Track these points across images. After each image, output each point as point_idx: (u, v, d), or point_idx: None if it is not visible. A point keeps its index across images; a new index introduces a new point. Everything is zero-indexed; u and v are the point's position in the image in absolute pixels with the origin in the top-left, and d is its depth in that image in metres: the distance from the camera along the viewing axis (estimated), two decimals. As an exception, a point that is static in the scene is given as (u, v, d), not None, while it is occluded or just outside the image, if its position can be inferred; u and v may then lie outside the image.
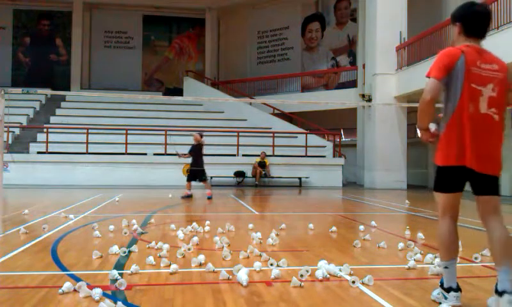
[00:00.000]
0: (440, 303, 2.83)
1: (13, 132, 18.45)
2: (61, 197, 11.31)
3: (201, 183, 11.23)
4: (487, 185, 2.80)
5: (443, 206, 2.88)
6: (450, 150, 2.78)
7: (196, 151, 11.11)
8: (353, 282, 3.27)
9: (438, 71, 2.79)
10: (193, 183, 11.15)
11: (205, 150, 17.25)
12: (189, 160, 11.37)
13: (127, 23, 27.22)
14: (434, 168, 2.92)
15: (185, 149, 11.57)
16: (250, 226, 5.98)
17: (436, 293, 2.94)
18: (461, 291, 2.81)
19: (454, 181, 2.83)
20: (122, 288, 3.12)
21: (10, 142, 17.37)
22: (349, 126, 23.52)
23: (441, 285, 2.87)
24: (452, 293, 2.78)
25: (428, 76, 2.83)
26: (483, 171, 2.74)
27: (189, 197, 10.86)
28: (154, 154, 17.62)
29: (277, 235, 5.25)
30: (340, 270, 3.57)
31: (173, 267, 3.64)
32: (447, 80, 2.79)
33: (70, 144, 17.63)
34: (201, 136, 11.30)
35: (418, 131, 2.94)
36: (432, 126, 2.87)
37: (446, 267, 2.82)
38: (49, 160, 16.74)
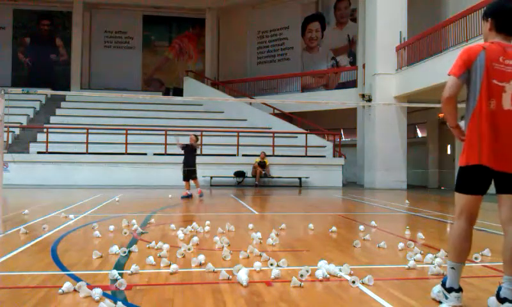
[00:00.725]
0: (440, 302, 2.83)
1: (13, 132, 18.45)
2: (61, 197, 11.31)
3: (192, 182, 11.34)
4: (510, 184, 2.71)
5: (461, 208, 2.82)
6: (471, 149, 2.73)
7: (188, 151, 11.20)
8: (353, 282, 3.27)
9: (457, 68, 2.77)
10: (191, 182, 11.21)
11: (206, 150, 17.33)
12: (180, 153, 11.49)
13: (127, 23, 27.23)
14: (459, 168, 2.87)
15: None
16: (250, 226, 5.98)
17: (437, 291, 2.93)
18: (462, 291, 2.81)
19: (474, 183, 2.76)
20: (122, 288, 3.11)
21: (10, 142, 17.37)
22: (349, 126, 23.54)
23: (443, 284, 2.86)
24: (453, 294, 2.77)
25: (449, 74, 2.81)
26: (506, 169, 2.67)
27: (188, 197, 10.87)
28: (154, 154, 17.62)
29: (277, 235, 5.25)
30: (340, 270, 3.57)
31: (173, 267, 3.64)
32: (468, 77, 2.76)
33: (70, 144, 17.64)
34: (197, 139, 11.41)
35: (452, 130, 2.90)
36: (463, 125, 2.85)
37: (452, 268, 2.81)
38: (49, 160, 16.75)
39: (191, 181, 11.19)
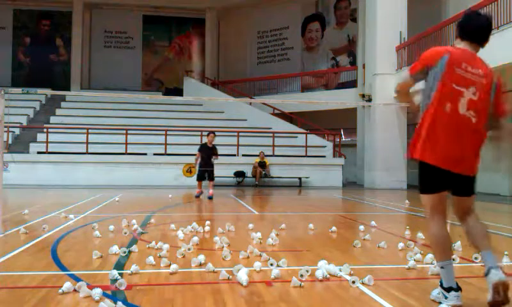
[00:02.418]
0: (440, 303, 2.83)
1: (13, 132, 18.44)
2: (61, 197, 11.31)
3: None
4: (463, 185, 2.88)
5: (429, 208, 2.92)
6: (422, 145, 2.82)
7: (209, 151, 11.32)
8: (353, 282, 3.27)
9: (414, 67, 2.92)
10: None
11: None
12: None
13: (127, 23, 27.22)
14: (413, 165, 3.00)
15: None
16: (250, 226, 5.98)
17: (436, 293, 2.94)
18: (461, 290, 2.81)
19: (433, 181, 2.86)
20: (122, 288, 3.11)
21: (10, 142, 17.37)
22: (349, 126, 23.52)
23: (441, 285, 2.87)
24: (453, 293, 2.78)
25: (409, 69, 2.98)
26: (455, 170, 2.79)
27: (198, 196, 10.97)
28: (154, 154, 17.62)
29: (277, 235, 5.25)
30: (340, 270, 3.57)
31: (173, 267, 3.64)
32: (428, 74, 2.86)
33: (70, 144, 17.63)
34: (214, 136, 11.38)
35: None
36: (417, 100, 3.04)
37: (442, 267, 2.83)
38: (49, 160, 16.74)
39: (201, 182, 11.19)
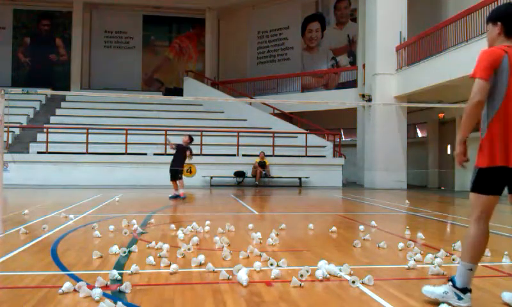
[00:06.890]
0: (442, 303, 2.82)
1: (13, 132, 18.44)
2: (61, 197, 11.31)
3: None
4: None
5: (481, 209, 2.81)
6: (494, 151, 2.73)
7: (178, 150, 11.29)
8: (353, 282, 3.27)
9: (484, 71, 2.72)
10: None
11: (206, 150, 17.32)
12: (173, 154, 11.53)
13: (127, 23, 27.22)
14: (475, 170, 2.84)
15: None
16: (250, 226, 5.98)
17: (443, 291, 2.89)
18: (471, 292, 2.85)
19: (496, 183, 2.77)
20: (128, 291, 3.09)
21: (10, 142, 17.37)
22: (349, 126, 23.53)
23: (454, 285, 2.85)
24: (468, 294, 2.81)
25: (473, 77, 2.76)
26: None
27: (177, 197, 10.90)
28: (154, 154, 17.62)
29: (277, 235, 5.25)
30: (340, 270, 3.57)
31: (173, 267, 3.64)
32: (492, 79, 2.75)
33: (70, 144, 17.63)
34: (190, 140, 11.40)
35: (457, 145, 2.83)
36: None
37: (470, 269, 2.81)
38: (49, 160, 16.74)
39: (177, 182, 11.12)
